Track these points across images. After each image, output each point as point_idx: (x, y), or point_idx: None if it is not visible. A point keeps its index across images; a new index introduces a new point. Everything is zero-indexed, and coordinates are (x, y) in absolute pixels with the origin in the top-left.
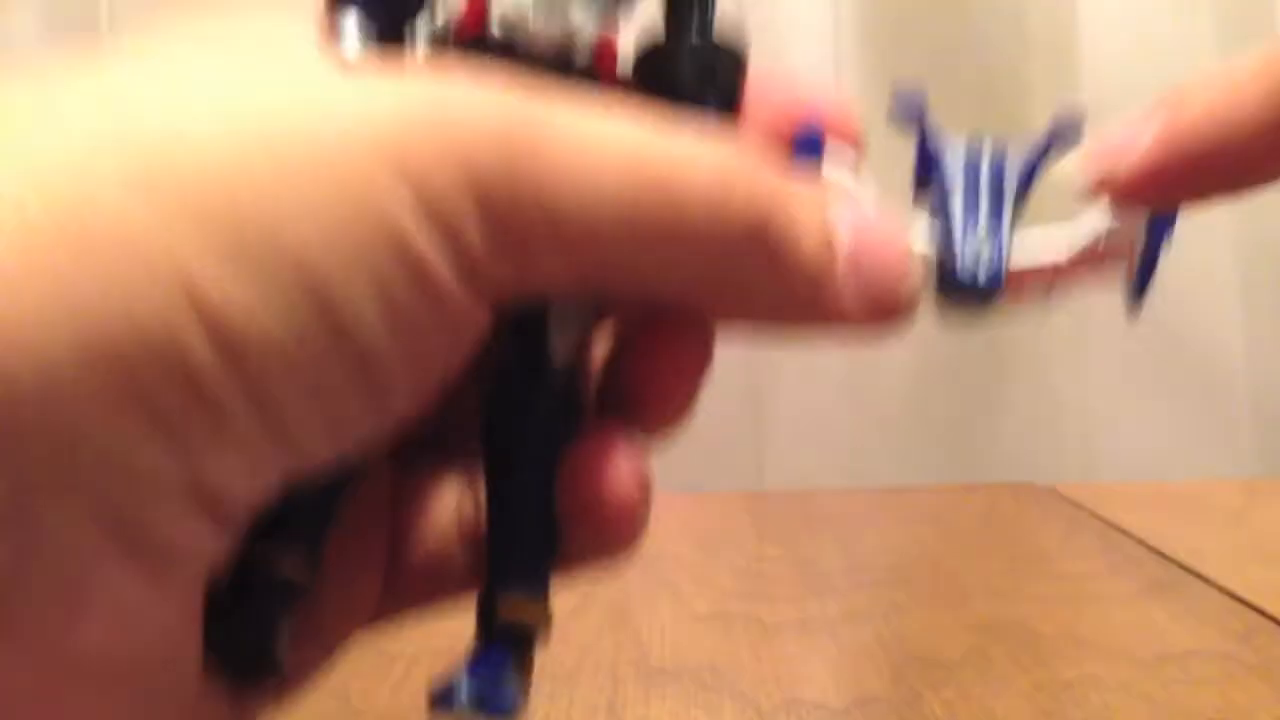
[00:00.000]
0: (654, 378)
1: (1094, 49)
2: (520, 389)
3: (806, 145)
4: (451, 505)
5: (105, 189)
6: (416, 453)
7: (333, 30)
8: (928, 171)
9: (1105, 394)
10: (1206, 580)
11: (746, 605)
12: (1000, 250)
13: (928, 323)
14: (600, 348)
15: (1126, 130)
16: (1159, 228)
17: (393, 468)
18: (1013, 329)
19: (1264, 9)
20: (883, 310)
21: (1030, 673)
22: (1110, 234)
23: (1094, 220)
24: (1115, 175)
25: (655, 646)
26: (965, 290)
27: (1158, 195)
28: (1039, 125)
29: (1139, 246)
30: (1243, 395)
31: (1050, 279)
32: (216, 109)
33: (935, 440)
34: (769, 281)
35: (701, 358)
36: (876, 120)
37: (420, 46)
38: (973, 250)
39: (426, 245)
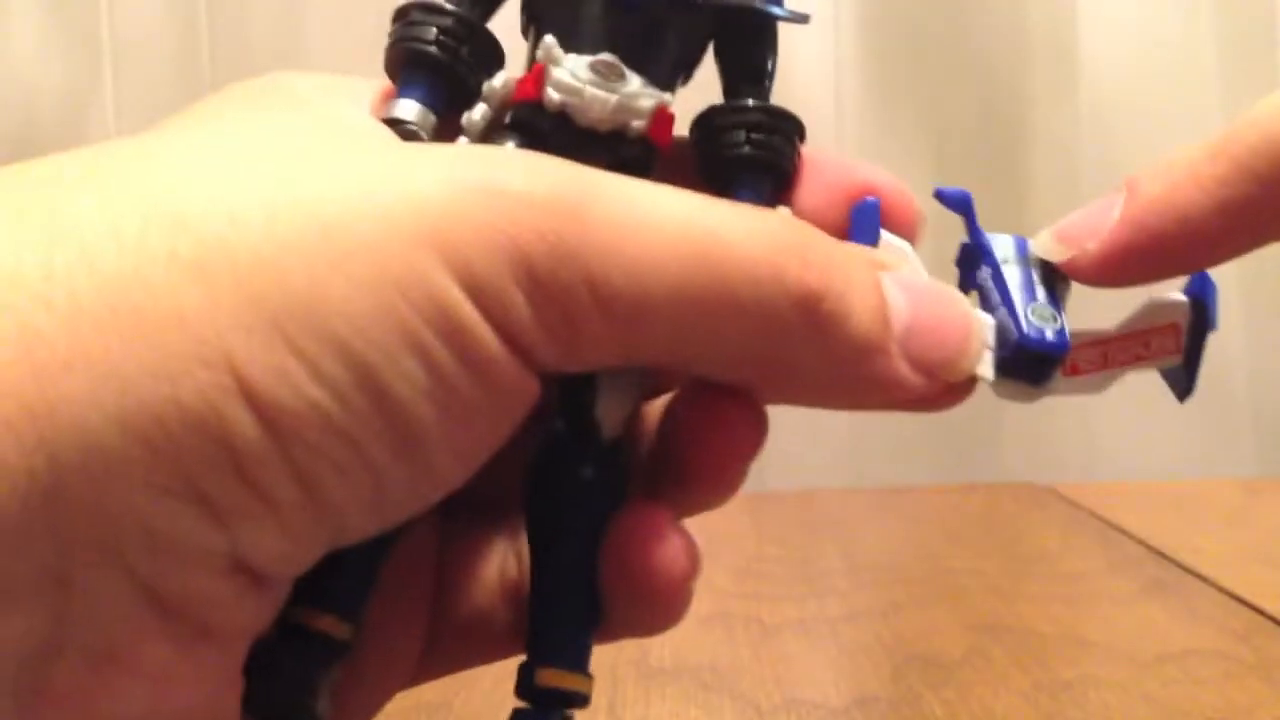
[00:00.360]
0: (706, 456)
1: (1094, 51)
2: (566, 460)
3: (863, 214)
4: (496, 563)
5: (156, 268)
6: (463, 509)
7: (387, 105)
8: (974, 264)
9: (1105, 394)
10: (1206, 580)
11: (746, 605)
12: (1061, 314)
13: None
14: (653, 415)
15: (1091, 213)
16: (1204, 307)
17: (439, 524)
18: None
19: (1264, 11)
20: (943, 380)
21: (1030, 673)
22: (1154, 314)
23: (1141, 302)
24: (1081, 258)
25: (655, 646)
26: (1031, 353)
27: (1123, 276)
28: (1039, 126)
29: (1185, 330)
30: (1242, 396)
31: (1104, 355)
32: (266, 190)
33: (935, 440)
34: (819, 357)
35: (755, 438)
36: (881, 123)
37: (475, 120)
38: (1036, 316)
39: (472, 322)
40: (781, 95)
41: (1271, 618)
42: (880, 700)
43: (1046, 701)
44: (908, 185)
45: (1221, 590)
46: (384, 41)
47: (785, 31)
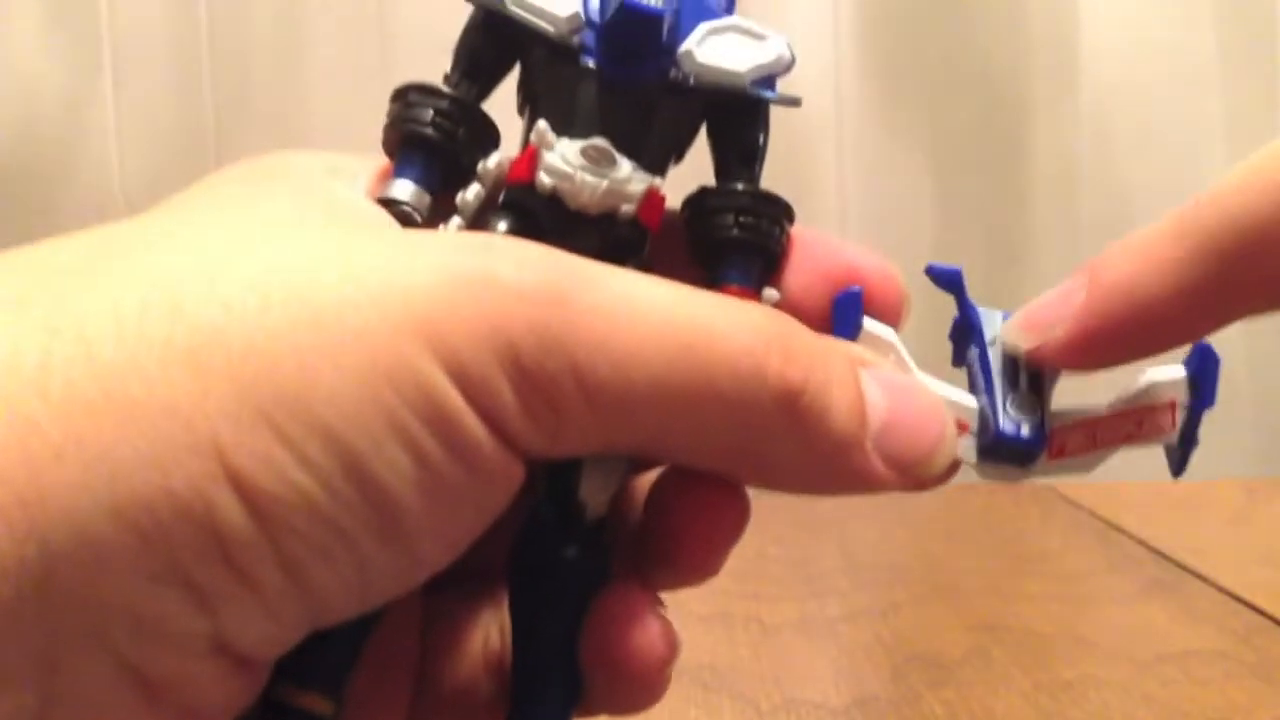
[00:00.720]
0: (688, 541)
1: (1094, 52)
2: (550, 540)
3: (845, 304)
4: (480, 635)
5: (151, 357)
6: (447, 581)
7: (383, 185)
8: (966, 341)
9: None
10: (1206, 580)
11: (746, 605)
12: (1042, 407)
13: (925, 322)
14: (640, 490)
15: (1055, 299)
16: (1203, 383)
17: (423, 596)
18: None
19: (1264, 11)
20: (915, 478)
21: (1030, 673)
22: (1150, 392)
23: (1136, 381)
24: (1048, 346)
25: None
26: (1008, 447)
27: (1091, 362)
28: (1039, 127)
29: (1182, 406)
30: (1243, 396)
31: (1092, 436)
32: (262, 278)
33: None
34: (796, 450)
35: (737, 524)
36: (881, 124)
37: (469, 200)
38: (1015, 408)
39: (459, 410)
40: None
41: (1271, 618)
42: (880, 700)
43: (1046, 701)
44: (918, 187)
45: (1221, 590)
46: (383, 46)
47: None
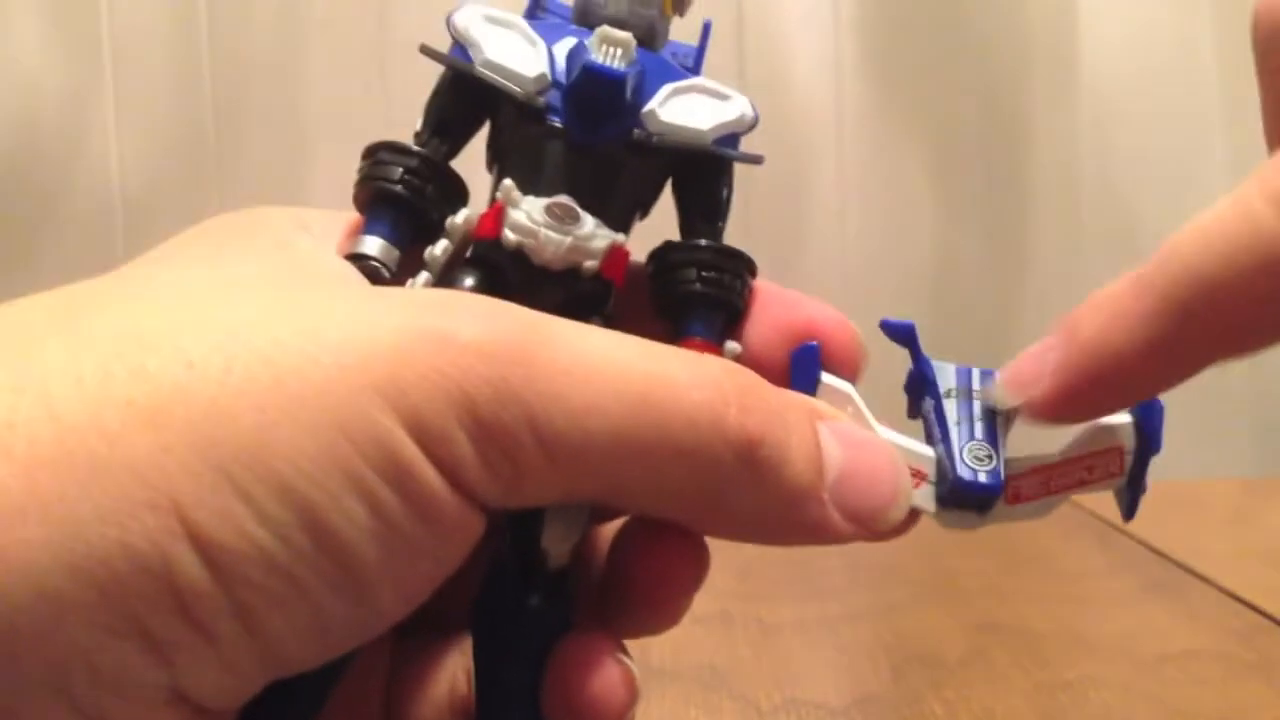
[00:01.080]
0: (647, 589)
1: (1094, 52)
2: (513, 589)
3: (802, 359)
4: (446, 680)
5: (113, 416)
6: (413, 626)
7: (353, 241)
8: (921, 394)
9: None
10: (1206, 580)
11: (746, 605)
12: (998, 454)
13: (926, 324)
14: (605, 537)
15: (1034, 357)
16: (1148, 429)
17: (390, 640)
18: (1010, 326)
19: None
20: (872, 530)
21: (1030, 673)
22: (1098, 439)
23: (1085, 427)
24: (1031, 402)
25: (655, 646)
26: (966, 494)
27: (1070, 416)
28: (1039, 127)
29: (1130, 451)
30: (1242, 396)
31: (1046, 483)
32: (225, 337)
33: None
34: (754, 500)
35: (695, 574)
36: (881, 123)
37: (437, 256)
38: (971, 456)
39: (416, 462)
40: (781, 96)
41: (1271, 618)
42: (880, 700)
43: (1046, 701)
44: (918, 187)
45: (1221, 590)
46: (383, 46)
47: (785, 33)
